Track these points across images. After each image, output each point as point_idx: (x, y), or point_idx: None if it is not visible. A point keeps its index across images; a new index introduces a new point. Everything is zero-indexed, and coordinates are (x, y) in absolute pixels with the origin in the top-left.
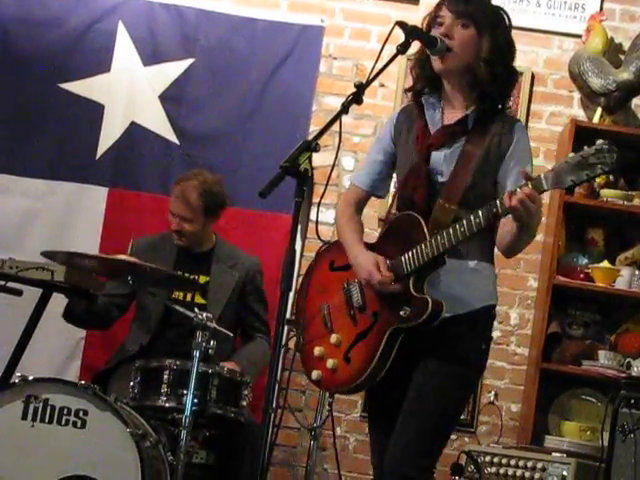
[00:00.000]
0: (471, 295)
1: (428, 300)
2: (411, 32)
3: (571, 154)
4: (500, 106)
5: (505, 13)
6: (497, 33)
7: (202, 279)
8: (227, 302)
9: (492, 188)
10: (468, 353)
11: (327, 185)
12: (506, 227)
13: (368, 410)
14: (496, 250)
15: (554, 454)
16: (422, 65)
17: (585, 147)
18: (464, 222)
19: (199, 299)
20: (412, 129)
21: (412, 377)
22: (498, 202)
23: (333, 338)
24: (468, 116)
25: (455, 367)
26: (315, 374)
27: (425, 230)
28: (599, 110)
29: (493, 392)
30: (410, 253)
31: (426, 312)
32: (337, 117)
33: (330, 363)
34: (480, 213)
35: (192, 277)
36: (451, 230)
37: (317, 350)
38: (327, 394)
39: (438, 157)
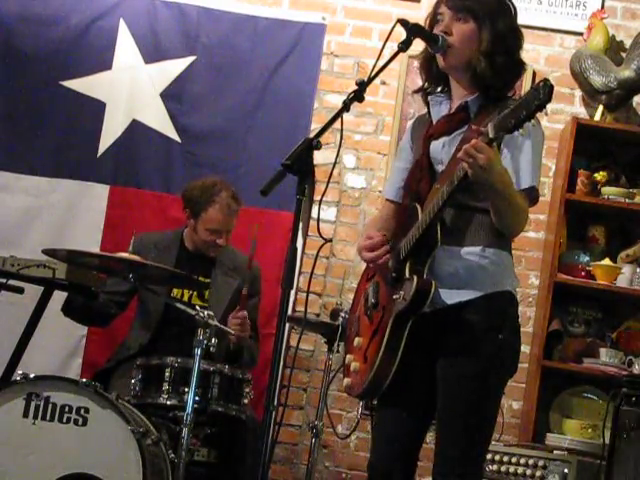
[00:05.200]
0: (477, 281)
1: (414, 278)
2: (412, 30)
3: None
4: (504, 92)
5: (509, 1)
6: (498, 24)
7: (202, 280)
8: (227, 307)
9: None
10: (486, 346)
11: (328, 183)
12: None
13: (378, 406)
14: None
15: (555, 452)
16: (428, 65)
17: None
18: (439, 193)
19: (196, 301)
20: (422, 129)
21: (437, 374)
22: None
23: (356, 341)
24: (468, 102)
25: (474, 366)
26: (345, 381)
27: (419, 214)
28: (600, 108)
29: None
30: (405, 238)
31: (412, 289)
32: (338, 115)
33: (353, 366)
34: (450, 179)
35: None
36: (431, 204)
37: (347, 358)
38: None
39: (437, 146)
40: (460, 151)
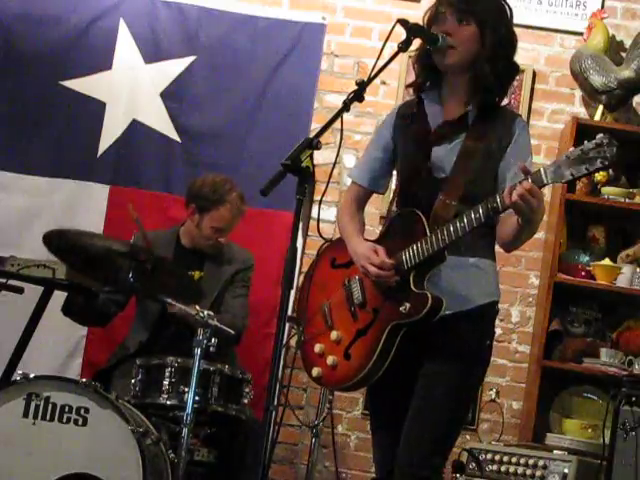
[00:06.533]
0: (473, 292)
1: (428, 295)
2: (412, 30)
3: (572, 148)
4: (498, 99)
5: (506, 4)
6: (499, 28)
7: (197, 274)
8: (217, 294)
9: (493, 184)
10: (473, 351)
11: (328, 183)
12: (507, 222)
13: (370, 408)
14: (497, 247)
15: (555, 452)
16: (424, 60)
17: (585, 141)
18: (464, 217)
19: None
20: (412, 124)
21: (417, 376)
22: (498, 198)
23: (333, 335)
24: (469, 112)
25: (461, 366)
26: (315, 371)
27: (425, 226)
28: (600, 108)
29: (494, 390)
30: (410, 249)
31: (426, 307)
32: (338, 115)
33: (330, 360)
34: (480, 208)
35: (189, 274)
36: (451, 226)
37: (317, 347)
38: (327, 391)
39: (439, 153)
40: (509, 192)
